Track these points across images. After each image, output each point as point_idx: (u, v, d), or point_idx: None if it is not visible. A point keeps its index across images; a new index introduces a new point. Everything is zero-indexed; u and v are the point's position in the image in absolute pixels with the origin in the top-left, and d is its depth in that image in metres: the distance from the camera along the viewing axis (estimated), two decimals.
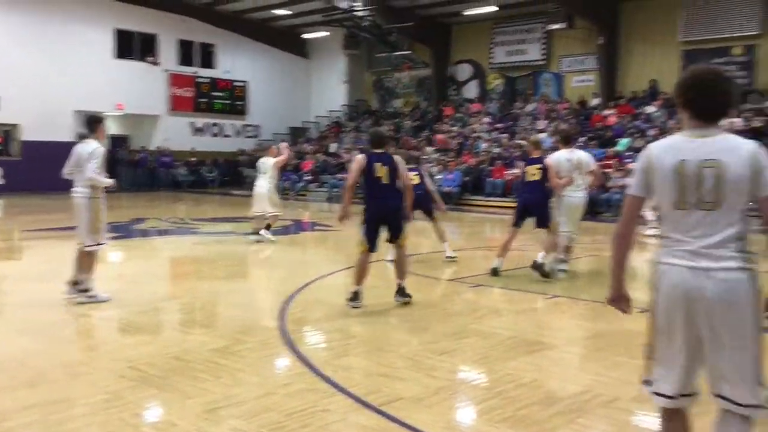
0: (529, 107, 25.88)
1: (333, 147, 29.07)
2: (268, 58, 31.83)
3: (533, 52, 26.80)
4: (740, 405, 2.78)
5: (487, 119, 26.30)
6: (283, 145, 13.08)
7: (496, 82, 28.34)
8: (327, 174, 26.57)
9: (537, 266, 8.54)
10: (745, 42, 21.87)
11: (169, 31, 28.70)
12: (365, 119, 30.96)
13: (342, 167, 26.19)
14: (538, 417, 4.13)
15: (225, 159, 30.46)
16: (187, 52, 29.65)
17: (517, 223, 8.82)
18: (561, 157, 8.72)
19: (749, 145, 2.79)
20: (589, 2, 23.59)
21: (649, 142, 21.17)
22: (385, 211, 6.91)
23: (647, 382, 2.98)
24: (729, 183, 2.74)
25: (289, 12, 29.07)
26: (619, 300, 3.07)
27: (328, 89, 32.44)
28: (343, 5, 25.15)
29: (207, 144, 30.31)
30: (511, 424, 4.03)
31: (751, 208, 2.84)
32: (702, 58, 22.61)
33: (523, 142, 20.57)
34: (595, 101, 24.58)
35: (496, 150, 23.33)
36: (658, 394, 2.93)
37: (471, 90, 29.06)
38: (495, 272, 8.71)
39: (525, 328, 6.34)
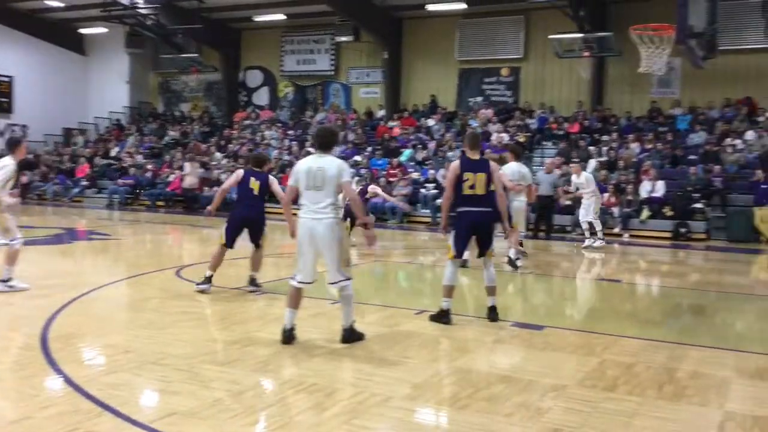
0: (319, 116, 26.30)
1: (114, 150, 27.29)
2: (38, 52, 28.96)
3: (323, 63, 27.30)
4: (333, 283, 5.91)
5: (277, 127, 26.31)
6: None
7: (286, 90, 28.45)
8: (106, 179, 24.87)
9: (511, 262, 10.73)
10: (511, 64, 24.07)
11: None
12: (149, 122, 29.50)
13: (124, 172, 24.66)
14: (314, 421, 4.16)
15: None
16: None
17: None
18: (513, 168, 10.79)
19: (338, 161, 5.92)
20: (373, 17, 24.54)
21: (429, 153, 22.22)
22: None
23: (293, 278, 5.88)
24: (327, 178, 5.77)
25: (62, 4, 26.78)
26: (293, 232, 6.28)
27: (109, 89, 30.33)
28: (125, 1, 23.76)
29: None
30: (287, 431, 4.01)
31: None
32: (475, 77, 24.60)
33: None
34: (380, 113, 25.61)
35: (287, 158, 23.39)
36: (299, 282, 5.86)
37: (262, 97, 28.90)
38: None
39: (308, 334, 6.37)
